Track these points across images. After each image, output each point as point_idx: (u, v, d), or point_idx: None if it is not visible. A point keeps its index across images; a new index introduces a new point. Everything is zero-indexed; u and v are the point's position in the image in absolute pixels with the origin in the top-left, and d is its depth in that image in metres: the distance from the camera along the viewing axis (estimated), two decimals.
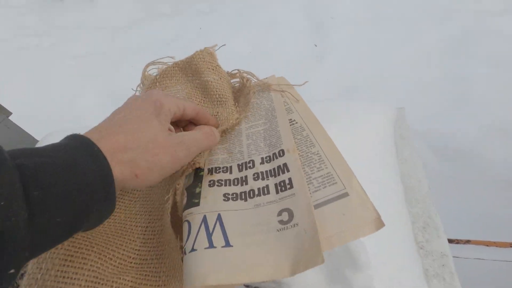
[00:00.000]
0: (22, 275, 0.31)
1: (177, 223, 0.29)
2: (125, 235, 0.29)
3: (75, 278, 0.23)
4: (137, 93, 0.46)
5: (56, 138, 0.60)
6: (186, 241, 0.21)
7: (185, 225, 0.23)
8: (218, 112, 0.33)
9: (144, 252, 0.29)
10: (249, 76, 0.38)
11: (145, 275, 0.27)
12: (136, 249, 0.29)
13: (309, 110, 0.31)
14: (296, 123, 0.30)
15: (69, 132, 0.62)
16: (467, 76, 1.11)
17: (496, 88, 1.04)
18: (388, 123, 0.46)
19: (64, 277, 0.23)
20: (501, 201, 0.74)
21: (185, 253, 0.21)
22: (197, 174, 0.27)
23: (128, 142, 0.20)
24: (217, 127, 0.30)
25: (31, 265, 0.23)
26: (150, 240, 0.29)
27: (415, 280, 0.30)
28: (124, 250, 0.28)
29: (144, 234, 0.30)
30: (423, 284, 0.30)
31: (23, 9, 2.20)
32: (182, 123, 0.30)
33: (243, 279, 0.18)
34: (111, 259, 0.27)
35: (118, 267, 0.27)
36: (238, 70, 0.39)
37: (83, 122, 1.26)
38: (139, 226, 0.30)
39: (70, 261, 0.24)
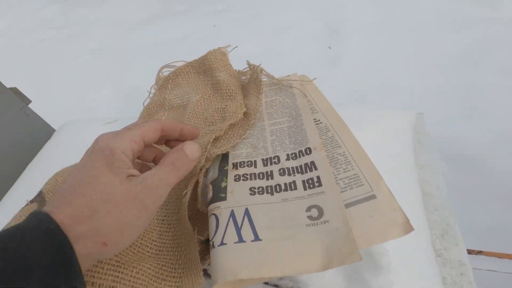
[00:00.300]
0: None
1: (195, 217, 0.30)
2: None
3: (99, 261, 0.24)
4: (151, 95, 0.47)
5: (72, 129, 0.61)
6: (214, 235, 0.22)
7: (212, 219, 0.23)
8: (226, 105, 0.34)
9: (161, 244, 0.29)
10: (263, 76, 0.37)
11: (162, 265, 0.28)
12: (153, 240, 0.29)
13: (334, 111, 0.31)
14: (321, 123, 0.29)
15: (85, 123, 0.61)
16: (480, 85, 1.10)
17: (509, 98, 1.02)
18: (407, 128, 0.45)
19: None
20: None
21: (213, 246, 0.21)
22: (222, 168, 0.27)
23: (83, 210, 0.17)
24: (196, 134, 0.26)
25: None
26: (166, 233, 0.30)
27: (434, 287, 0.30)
28: (142, 239, 0.29)
29: (161, 227, 0.30)
30: None
31: (41, 1, 2.24)
32: (160, 142, 0.26)
33: (274, 273, 0.18)
34: (131, 246, 0.27)
35: (137, 254, 0.27)
36: (247, 61, 0.39)
37: (97, 114, 1.28)
38: (156, 219, 0.31)
39: None
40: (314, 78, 0.35)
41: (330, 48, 1.46)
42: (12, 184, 0.54)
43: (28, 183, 0.52)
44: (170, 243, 0.29)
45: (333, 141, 0.27)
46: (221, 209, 0.23)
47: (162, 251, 0.28)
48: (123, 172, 0.19)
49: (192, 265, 0.27)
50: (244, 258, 0.19)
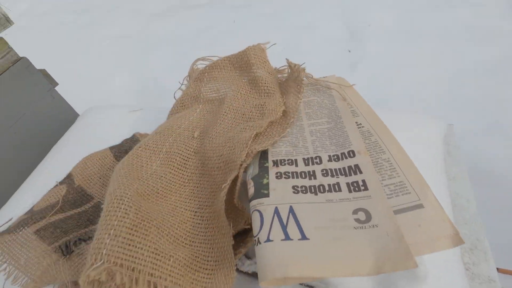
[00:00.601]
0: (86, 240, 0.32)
1: (230, 211, 0.30)
2: (177, 216, 0.30)
3: (139, 247, 0.24)
4: (183, 87, 0.47)
5: (97, 114, 0.61)
6: (260, 231, 0.22)
7: (256, 215, 0.23)
8: (265, 102, 0.34)
9: (194, 235, 0.29)
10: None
11: (196, 256, 0.28)
12: (187, 231, 0.29)
13: (376, 115, 0.30)
14: (363, 127, 0.29)
15: (110, 109, 0.63)
16: (504, 99, 1.08)
17: None
18: (438, 137, 0.44)
19: (130, 244, 0.24)
20: None
21: (259, 242, 0.21)
22: (262, 165, 0.27)
23: None
24: None
25: (99, 231, 0.24)
26: (199, 225, 0.30)
27: None
28: (176, 229, 0.29)
29: (194, 219, 0.30)
30: None
31: None
32: None
33: (324, 273, 0.18)
34: (167, 235, 0.27)
35: (173, 243, 0.27)
36: (286, 59, 0.39)
37: (114, 100, 1.29)
38: (189, 210, 0.31)
39: (135, 230, 0.25)
40: (354, 84, 0.35)
41: (349, 51, 1.45)
42: (37, 164, 0.55)
43: (53, 165, 0.52)
44: (202, 235, 0.29)
45: (376, 146, 0.27)
46: (265, 206, 0.23)
47: (195, 242, 0.29)
48: None
49: (226, 258, 0.27)
50: (292, 256, 0.19)
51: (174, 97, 0.48)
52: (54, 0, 2.11)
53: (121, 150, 0.44)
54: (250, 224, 0.29)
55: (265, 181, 0.26)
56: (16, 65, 0.56)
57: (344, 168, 0.25)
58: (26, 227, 0.36)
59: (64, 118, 0.65)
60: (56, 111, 0.64)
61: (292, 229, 0.21)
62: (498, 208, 0.76)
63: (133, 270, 0.23)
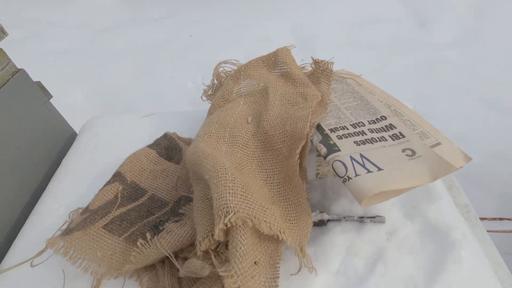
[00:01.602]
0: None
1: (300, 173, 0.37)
2: (255, 183, 0.36)
3: (251, 202, 0.30)
4: (205, 87, 0.52)
5: (99, 122, 0.62)
6: (347, 172, 0.30)
7: (338, 163, 0.31)
8: (304, 90, 0.43)
9: (271, 196, 0.36)
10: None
11: (280, 211, 0.34)
12: (266, 194, 0.36)
13: (387, 93, 0.42)
14: (382, 101, 0.40)
15: (116, 118, 0.65)
16: (431, 96, 1.36)
17: (455, 107, 1.29)
18: None
19: (245, 200, 0.30)
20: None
21: (349, 178, 0.29)
22: (322, 133, 0.36)
23: None
24: None
25: (218, 192, 0.29)
26: (272, 189, 0.37)
27: (458, 216, 0.42)
28: (260, 193, 0.35)
29: (266, 185, 0.37)
30: (464, 222, 0.42)
31: None
32: None
33: (403, 185, 0.28)
34: (260, 195, 0.34)
35: (266, 200, 0.34)
36: (312, 57, 0.50)
37: (71, 115, 1.22)
38: (260, 179, 0.38)
39: (245, 189, 0.31)
40: (361, 74, 0.46)
41: (302, 60, 1.64)
42: (39, 178, 0.54)
43: (73, 173, 0.52)
44: (278, 196, 0.36)
45: (397, 112, 0.38)
46: (342, 156, 0.32)
47: (275, 202, 0.35)
48: None
49: (303, 210, 0.34)
50: (379, 179, 0.28)
51: (202, 98, 0.54)
52: None
53: (161, 147, 0.47)
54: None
55: (331, 142, 0.34)
56: (15, 77, 0.54)
57: (382, 127, 0.35)
58: (93, 223, 0.37)
59: (61, 131, 0.63)
60: (52, 124, 0.61)
61: (369, 166, 0.30)
62: None
63: (254, 217, 0.29)
